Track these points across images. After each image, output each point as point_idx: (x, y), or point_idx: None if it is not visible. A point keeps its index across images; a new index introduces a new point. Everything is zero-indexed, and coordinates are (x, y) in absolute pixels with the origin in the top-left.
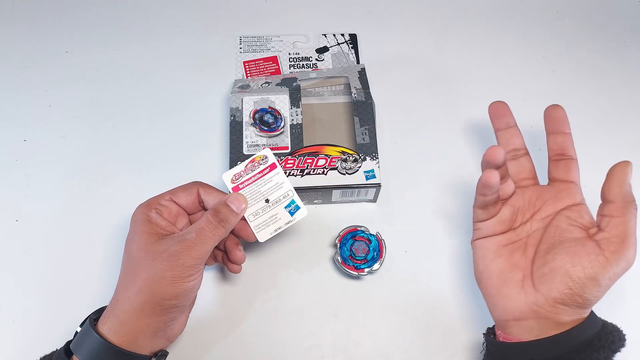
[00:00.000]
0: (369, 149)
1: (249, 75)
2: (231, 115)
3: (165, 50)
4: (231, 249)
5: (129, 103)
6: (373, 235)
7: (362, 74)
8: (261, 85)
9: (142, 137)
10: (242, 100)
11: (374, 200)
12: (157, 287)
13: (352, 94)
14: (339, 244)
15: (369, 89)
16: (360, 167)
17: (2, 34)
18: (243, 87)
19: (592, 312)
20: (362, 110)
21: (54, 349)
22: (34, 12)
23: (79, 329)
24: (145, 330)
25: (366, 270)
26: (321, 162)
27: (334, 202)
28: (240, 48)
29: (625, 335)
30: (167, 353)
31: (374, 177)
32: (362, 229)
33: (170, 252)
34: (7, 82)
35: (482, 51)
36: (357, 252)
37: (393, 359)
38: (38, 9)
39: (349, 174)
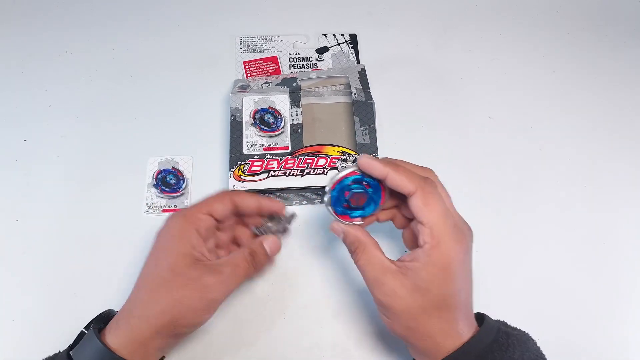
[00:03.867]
0: (369, 149)
1: (249, 75)
2: (231, 115)
3: (165, 50)
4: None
5: (129, 103)
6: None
7: (362, 74)
8: (261, 85)
9: (142, 137)
10: (242, 100)
11: None
12: (180, 314)
13: (352, 94)
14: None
15: (369, 89)
16: None
17: (2, 34)
18: (243, 87)
19: (485, 321)
20: (362, 110)
21: (56, 351)
22: (34, 11)
23: (85, 331)
24: (155, 349)
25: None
26: (321, 162)
27: None
28: (240, 48)
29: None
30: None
31: None
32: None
33: (203, 282)
34: (7, 82)
35: (482, 51)
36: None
37: (393, 359)
38: (38, 9)
39: None
